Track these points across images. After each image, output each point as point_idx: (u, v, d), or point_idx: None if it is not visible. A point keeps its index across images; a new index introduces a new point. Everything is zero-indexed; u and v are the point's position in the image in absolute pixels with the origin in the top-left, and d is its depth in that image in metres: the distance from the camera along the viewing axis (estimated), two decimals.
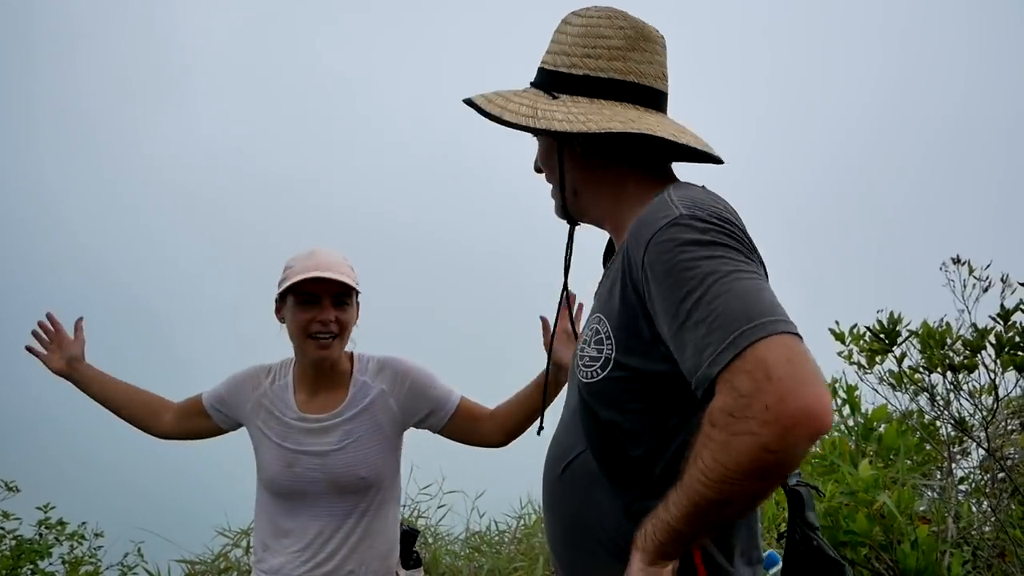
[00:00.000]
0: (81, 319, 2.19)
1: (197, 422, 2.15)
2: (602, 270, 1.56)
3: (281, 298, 1.99)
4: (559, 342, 1.87)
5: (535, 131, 1.35)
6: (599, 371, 1.23)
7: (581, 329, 1.35)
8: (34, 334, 2.17)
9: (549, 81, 1.38)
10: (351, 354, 2.08)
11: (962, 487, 4.23)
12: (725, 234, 1.12)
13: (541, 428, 1.75)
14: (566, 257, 1.55)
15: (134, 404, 2.16)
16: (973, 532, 3.67)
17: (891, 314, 3.72)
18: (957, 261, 4.13)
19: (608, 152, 1.37)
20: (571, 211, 1.46)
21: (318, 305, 1.93)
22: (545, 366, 1.86)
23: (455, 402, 2.08)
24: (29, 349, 2.17)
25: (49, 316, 2.17)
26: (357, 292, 2.00)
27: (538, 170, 1.51)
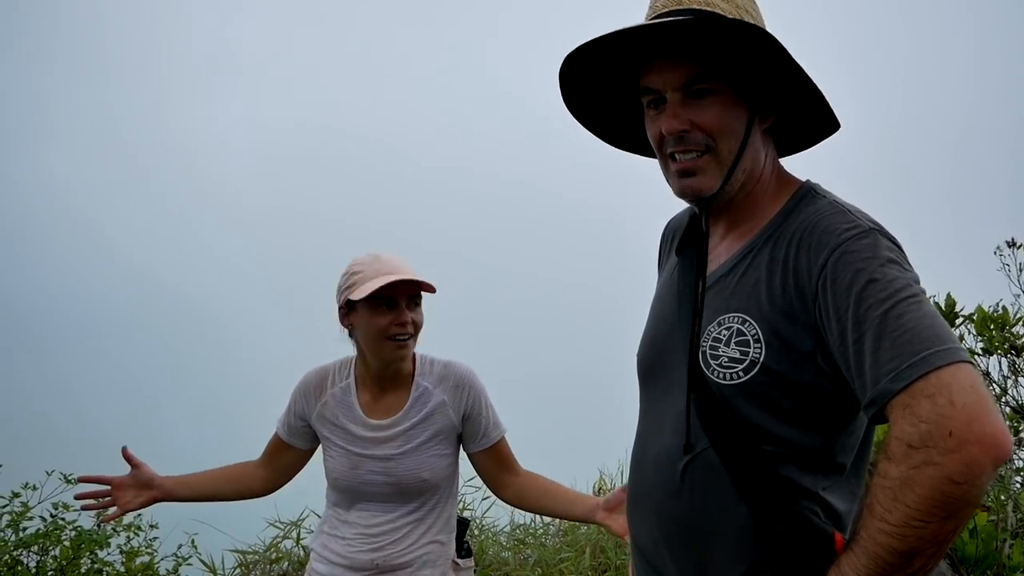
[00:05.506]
0: (125, 447, 2.09)
1: (286, 459, 2.17)
2: (669, 256, 1.48)
3: (348, 305, 1.99)
4: (607, 517, 1.93)
5: (791, 73, 1.17)
6: (741, 373, 1.17)
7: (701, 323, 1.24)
8: (90, 495, 2.08)
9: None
10: (413, 354, 2.09)
11: (1017, 478, 4.11)
12: (906, 259, 1.12)
13: None
14: (700, 265, 1.31)
15: (227, 485, 2.17)
16: None
17: (948, 296, 3.62)
18: (1012, 244, 4.00)
19: (787, 131, 1.31)
20: (727, 192, 1.26)
21: (396, 308, 1.95)
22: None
23: (495, 438, 2.11)
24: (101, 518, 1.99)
25: (124, 452, 2.09)
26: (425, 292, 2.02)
27: (678, 134, 1.22)
